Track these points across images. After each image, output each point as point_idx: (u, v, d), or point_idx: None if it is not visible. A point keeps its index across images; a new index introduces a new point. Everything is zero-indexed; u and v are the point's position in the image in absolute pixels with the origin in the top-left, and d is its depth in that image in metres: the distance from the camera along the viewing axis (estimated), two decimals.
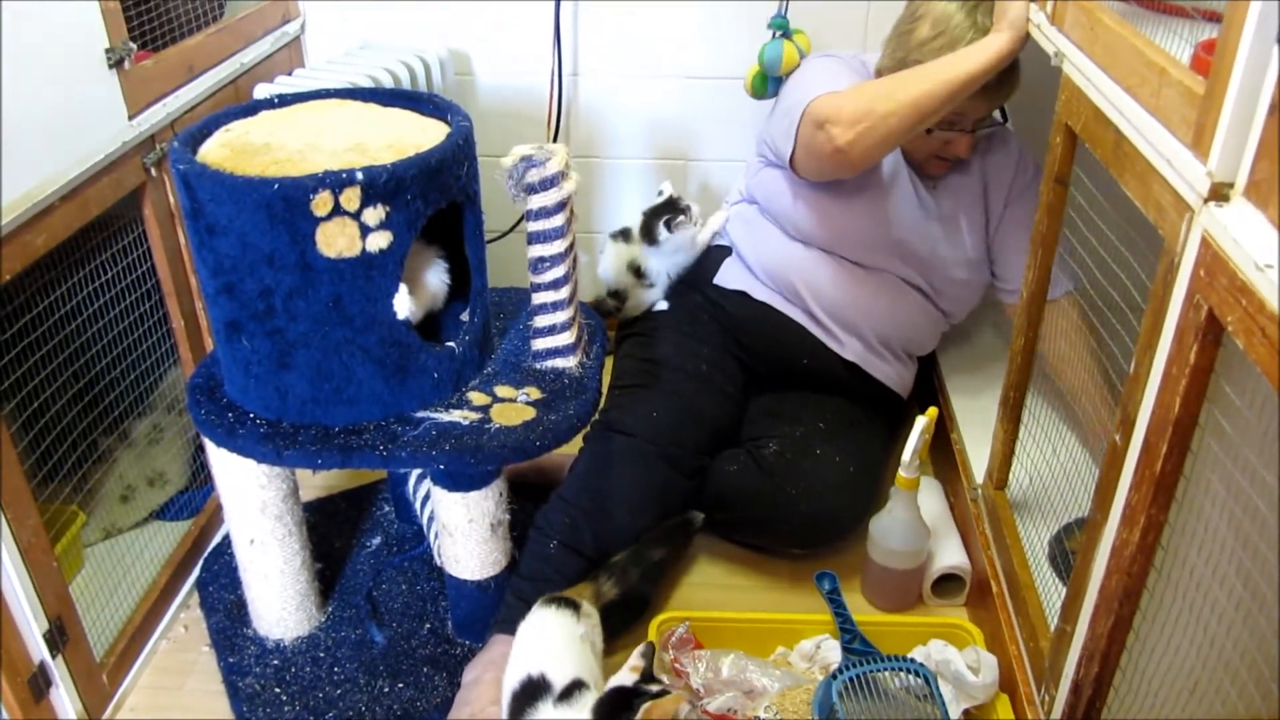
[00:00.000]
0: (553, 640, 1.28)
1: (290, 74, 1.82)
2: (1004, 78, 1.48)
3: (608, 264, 1.87)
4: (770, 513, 1.60)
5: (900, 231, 1.68)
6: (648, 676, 1.20)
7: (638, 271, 1.84)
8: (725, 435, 1.69)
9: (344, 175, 1.15)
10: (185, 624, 1.60)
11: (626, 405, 1.63)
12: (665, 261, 1.83)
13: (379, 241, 1.19)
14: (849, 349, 1.70)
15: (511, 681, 1.25)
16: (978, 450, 1.62)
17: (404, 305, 1.26)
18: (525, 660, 1.26)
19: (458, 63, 2.05)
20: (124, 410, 1.60)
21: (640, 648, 1.23)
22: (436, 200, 1.24)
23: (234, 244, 1.18)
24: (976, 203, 1.72)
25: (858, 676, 1.31)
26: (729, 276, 1.79)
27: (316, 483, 1.86)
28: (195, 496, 1.75)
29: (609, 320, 1.88)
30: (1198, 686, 0.95)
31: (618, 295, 1.87)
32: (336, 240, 1.17)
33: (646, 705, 1.15)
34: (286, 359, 1.25)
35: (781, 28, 1.74)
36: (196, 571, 1.67)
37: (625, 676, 1.20)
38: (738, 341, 1.77)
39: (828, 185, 1.67)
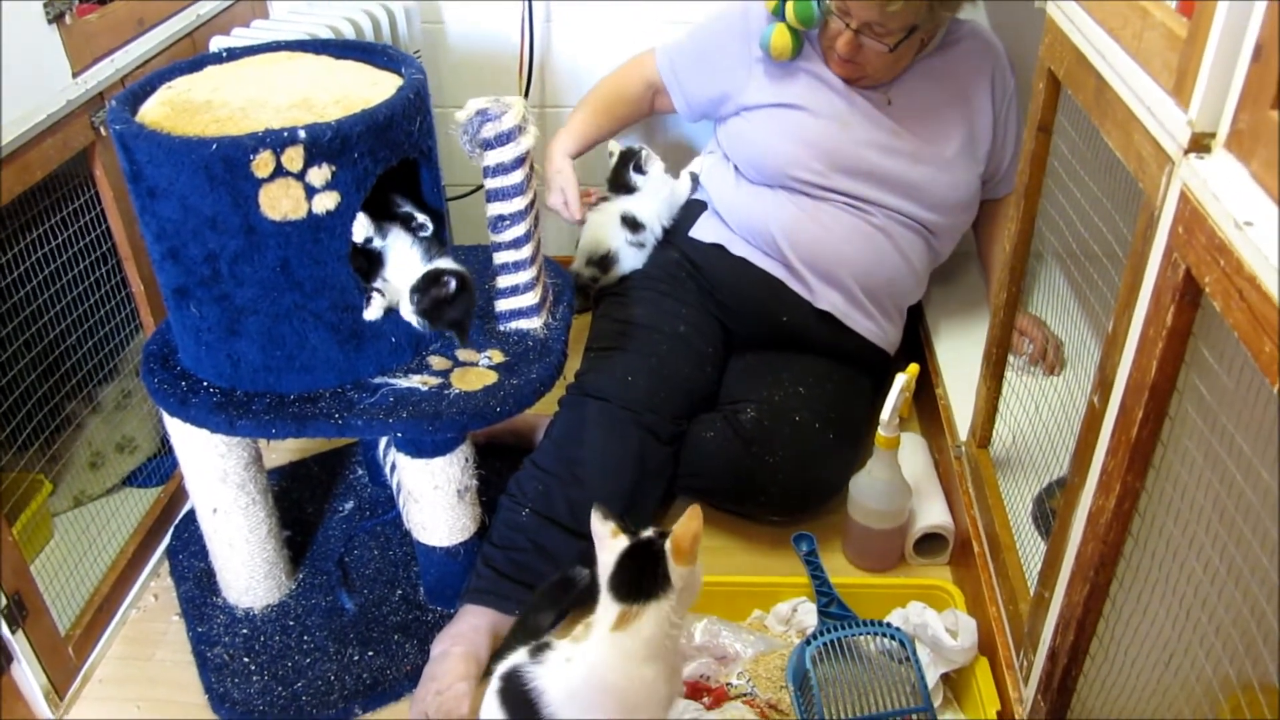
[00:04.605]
0: None
1: (249, 26, 1.75)
2: None
3: (593, 230, 1.80)
4: (747, 482, 1.55)
5: (859, 144, 1.62)
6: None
7: (633, 225, 1.78)
8: (704, 398, 1.64)
9: (285, 134, 1.09)
10: (155, 593, 1.58)
11: (601, 368, 1.58)
12: (654, 205, 1.79)
13: (326, 203, 1.13)
14: (825, 299, 1.64)
15: None
16: (963, 405, 1.57)
17: (376, 311, 1.26)
18: None
19: (426, 11, 1.97)
20: (88, 375, 1.56)
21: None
22: (386, 158, 1.18)
23: (175, 207, 1.13)
24: (952, 102, 1.67)
25: (833, 641, 1.28)
26: (705, 230, 1.74)
27: (289, 445, 1.83)
28: (166, 462, 1.71)
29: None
30: (1173, 658, 0.92)
31: (604, 261, 1.80)
32: (281, 202, 1.12)
33: (671, 535, 1.04)
34: (236, 326, 1.20)
35: None
36: (167, 539, 1.64)
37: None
38: (716, 300, 1.71)
39: (776, 114, 1.66)
